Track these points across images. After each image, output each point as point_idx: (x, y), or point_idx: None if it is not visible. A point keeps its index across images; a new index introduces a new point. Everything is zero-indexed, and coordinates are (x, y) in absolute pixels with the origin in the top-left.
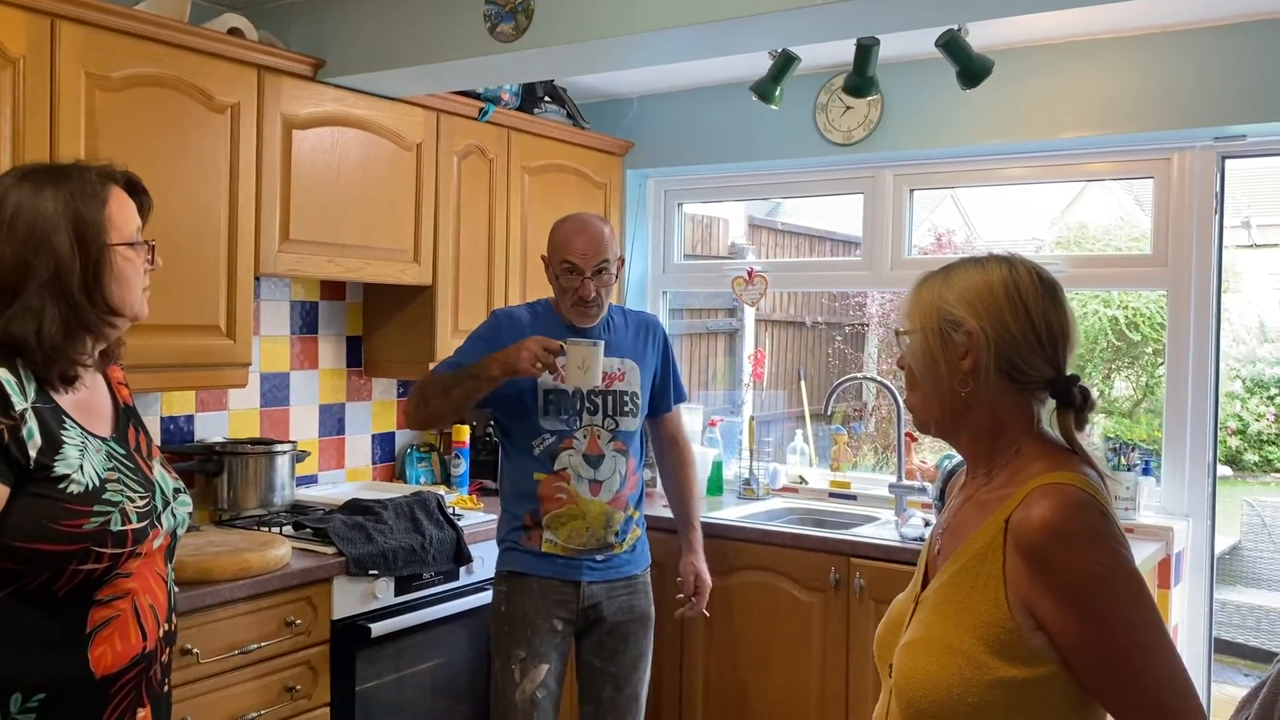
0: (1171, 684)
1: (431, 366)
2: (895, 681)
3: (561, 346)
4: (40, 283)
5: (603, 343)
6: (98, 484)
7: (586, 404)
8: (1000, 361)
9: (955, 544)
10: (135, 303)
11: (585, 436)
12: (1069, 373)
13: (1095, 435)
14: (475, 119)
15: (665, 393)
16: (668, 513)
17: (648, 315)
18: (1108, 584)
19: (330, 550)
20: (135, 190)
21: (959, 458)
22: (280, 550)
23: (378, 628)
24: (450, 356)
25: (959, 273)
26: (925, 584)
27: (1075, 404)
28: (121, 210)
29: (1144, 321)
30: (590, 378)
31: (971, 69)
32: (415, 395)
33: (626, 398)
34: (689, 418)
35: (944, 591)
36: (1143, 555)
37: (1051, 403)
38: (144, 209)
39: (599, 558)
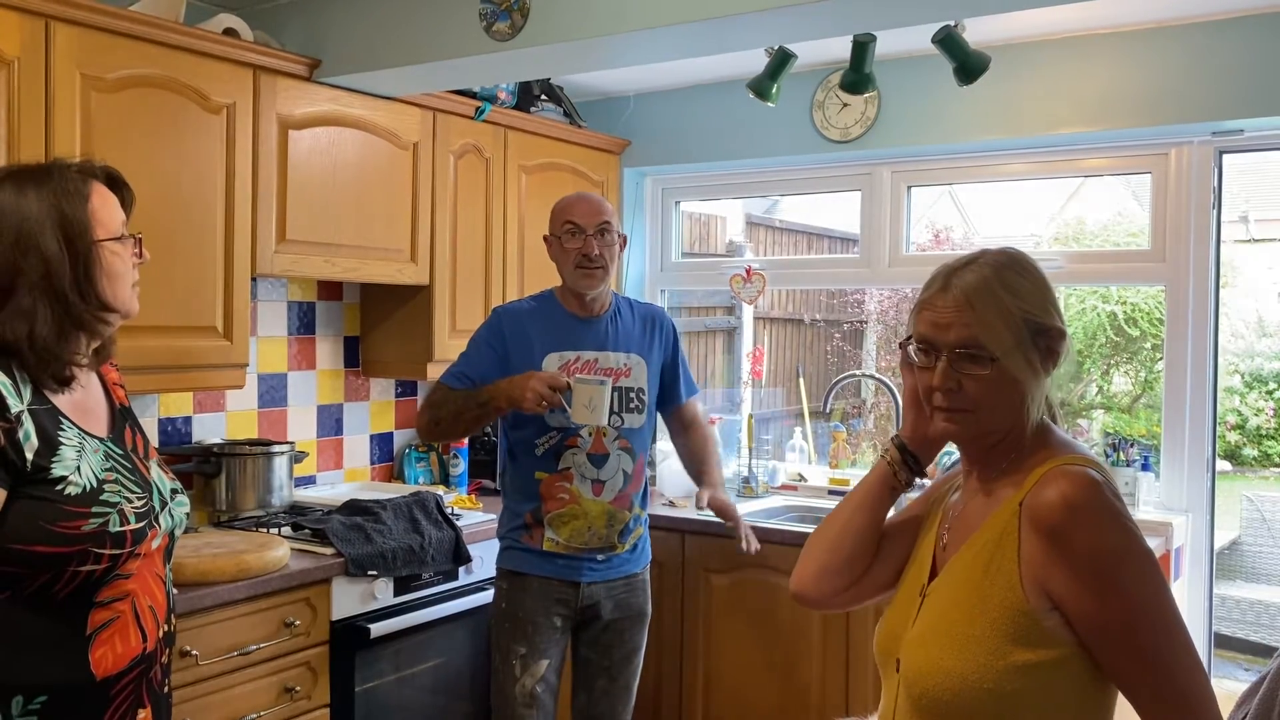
0: (1185, 663)
1: (431, 366)
2: (905, 674)
3: (568, 384)
4: (31, 284)
5: (610, 381)
6: (95, 485)
7: None
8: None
9: (964, 536)
10: (126, 298)
11: (590, 435)
12: None
13: (1094, 431)
14: (471, 118)
15: (676, 385)
16: (667, 511)
17: (654, 307)
18: (1124, 561)
19: (329, 551)
20: (116, 185)
21: (959, 455)
22: (279, 551)
23: (377, 628)
24: (455, 364)
25: (1011, 277)
26: (931, 578)
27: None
28: (105, 206)
29: (1142, 317)
30: (597, 416)
31: (968, 65)
32: (427, 415)
33: (633, 394)
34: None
35: (955, 581)
36: None
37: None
38: (126, 203)
39: (600, 558)
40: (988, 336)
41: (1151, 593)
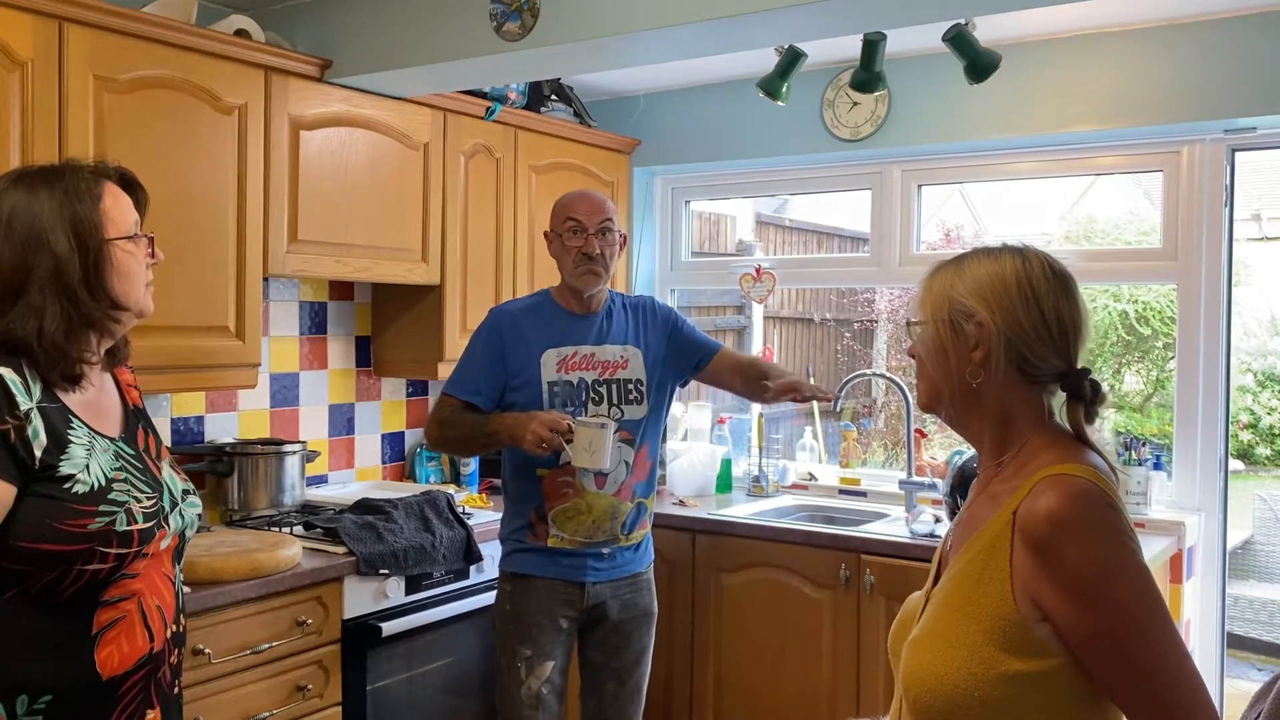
0: (1179, 677)
1: (442, 366)
2: (902, 677)
3: (570, 426)
4: (41, 282)
5: (612, 425)
6: (104, 484)
7: (592, 394)
8: (1010, 354)
9: (966, 538)
10: (139, 297)
11: None
12: (1080, 365)
13: (1106, 430)
14: (482, 118)
15: (697, 349)
16: (678, 511)
17: (644, 297)
18: (1113, 576)
19: (341, 550)
20: (130, 185)
21: (969, 454)
22: (291, 550)
23: (388, 627)
24: (456, 370)
25: (971, 263)
26: (937, 579)
27: (1085, 397)
28: (117, 205)
29: (1154, 315)
30: (597, 460)
31: (979, 63)
32: (435, 431)
33: (630, 385)
34: (698, 415)
35: (951, 585)
36: (1154, 550)
37: (1062, 395)
38: (140, 203)
39: (605, 552)
40: (915, 304)
41: (1140, 605)
